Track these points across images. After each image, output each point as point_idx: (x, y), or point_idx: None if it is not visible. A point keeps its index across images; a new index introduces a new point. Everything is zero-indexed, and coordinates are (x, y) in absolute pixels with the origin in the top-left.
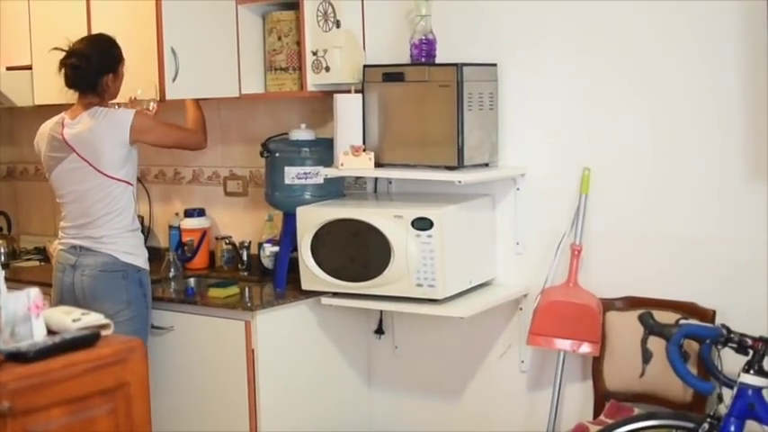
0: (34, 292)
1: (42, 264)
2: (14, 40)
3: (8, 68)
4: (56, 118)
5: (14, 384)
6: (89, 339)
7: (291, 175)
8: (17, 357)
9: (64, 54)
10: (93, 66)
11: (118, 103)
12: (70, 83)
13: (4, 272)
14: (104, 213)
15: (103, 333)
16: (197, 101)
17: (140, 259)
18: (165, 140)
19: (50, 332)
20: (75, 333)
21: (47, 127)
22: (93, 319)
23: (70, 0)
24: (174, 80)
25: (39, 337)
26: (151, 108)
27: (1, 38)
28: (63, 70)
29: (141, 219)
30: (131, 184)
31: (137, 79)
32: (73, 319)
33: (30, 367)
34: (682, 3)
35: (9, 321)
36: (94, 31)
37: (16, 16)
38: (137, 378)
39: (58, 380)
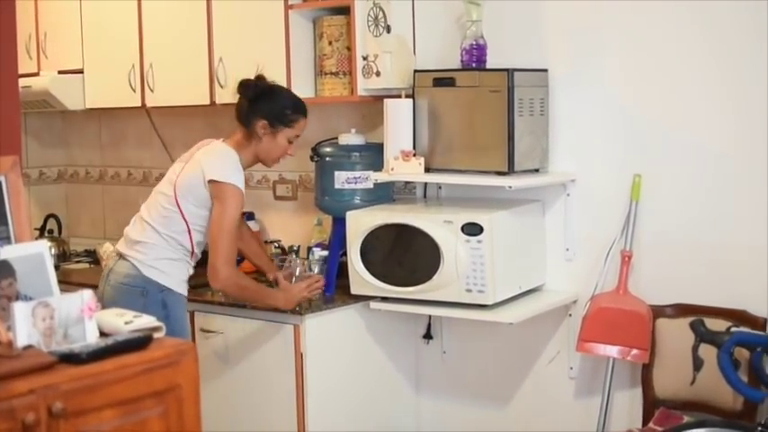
0: (87, 294)
1: (92, 266)
2: (66, 44)
3: (60, 72)
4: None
5: (67, 386)
6: (141, 342)
7: (341, 179)
8: (70, 359)
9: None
10: (259, 100)
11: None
12: (239, 104)
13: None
14: (150, 223)
15: (156, 335)
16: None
17: (169, 279)
18: (211, 225)
19: (103, 334)
20: (127, 335)
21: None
22: (146, 321)
23: (122, 2)
24: (222, 86)
25: (91, 338)
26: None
27: (53, 42)
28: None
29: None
30: (187, 224)
31: (182, 84)
32: (125, 322)
33: (82, 369)
34: (736, 9)
35: (62, 323)
36: (145, 40)
37: (68, 21)
38: (188, 381)
39: (111, 382)
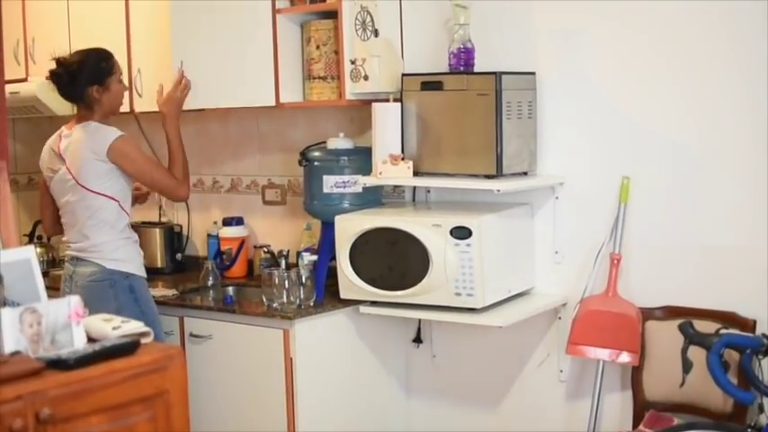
0: (75, 300)
1: None
2: (54, 49)
3: (48, 78)
4: (58, 131)
5: (55, 391)
6: (129, 347)
7: (330, 183)
8: (58, 365)
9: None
10: (77, 76)
11: None
12: (59, 92)
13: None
14: (91, 225)
15: (143, 341)
16: (179, 134)
17: (130, 265)
18: (143, 177)
19: (90, 340)
20: (114, 341)
21: (49, 140)
22: (133, 326)
23: (109, 8)
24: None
25: (79, 344)
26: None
27: (41, 48)
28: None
29: (170, 223)
30: (115, 200)
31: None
32: (113, 327)
33: (70, 375)
34: (726, 8)
35: (50, 329)
36: (133, 43)
37: (56, 26)
38: (176, 386)
39: (98, 387)
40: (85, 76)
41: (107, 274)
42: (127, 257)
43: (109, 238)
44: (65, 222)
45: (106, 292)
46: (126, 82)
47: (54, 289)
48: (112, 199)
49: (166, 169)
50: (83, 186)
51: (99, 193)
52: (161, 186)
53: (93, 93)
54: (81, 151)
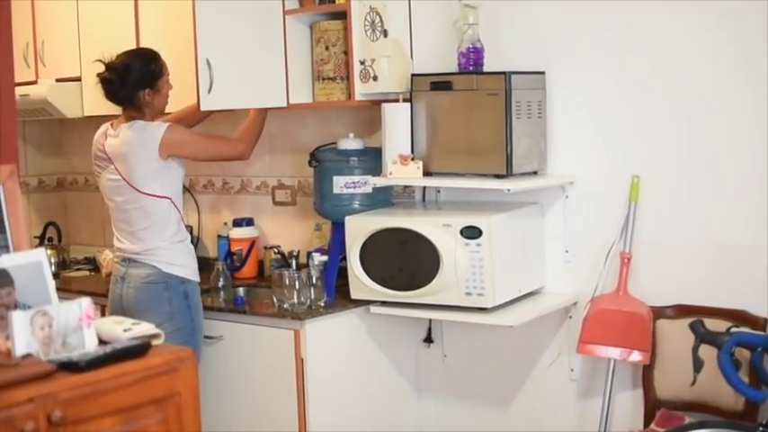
0: (86, 302)
1: (92, 273)
2: (64, 52)
3: (58, 80)
4: (103, 127)
5: (66, 394)
6: (140, 349)
7: (340, 184)
8: (69, 367)
9: (103, 67)
10: (127, 80)
11: None
12: (106, 96)
13: (54, 282)
14: (144, 227)
15: (154, 343)
16: (263, 112)
17: (185, 270)
18: (201, 155)
19: (102, 342)
20: (125, 343)
21: (96, 135)
22: (144, 328)
23: (119, 11)
24: (209, 91)
25: (90, 346)
26: None
27: (51, 50)
28: (99, 84)
29: (190, 228)
30: (168, 198)
31: (178, 89)
32: (124, 329)
33: (81, 377)
34: (732, 9)
35: (61, 331)
36: (142, 44)
37: (65, 29)
38: (187, 388)
39: (109, 389)
40: (136, 79)
41: (163, 276)
42: (183, 262)
43: (163, 243)
44: (114, 220)
45: (161, 294)
46: None
47: (66, 291)
48: (165, 198)
49: (220, 136)
50: (134, 188)
51: (151, 195)
52: (223, 156)
53: (145, 96)
54: (131, 152)
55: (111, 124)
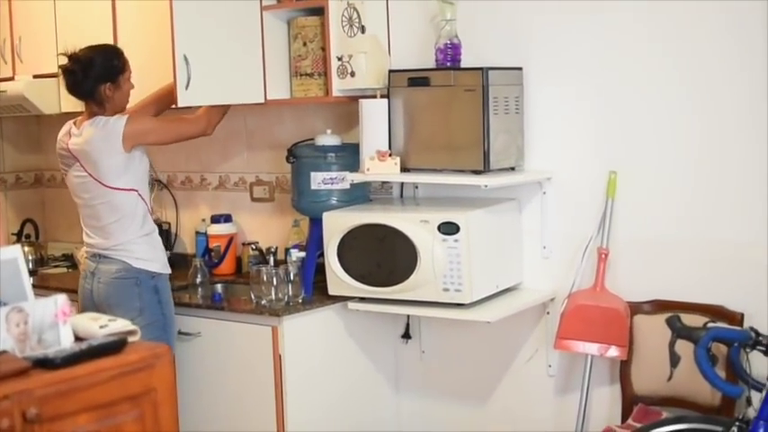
0: (61, 299)
1: (70, 270)
2: (41, 48)
3: (35, 76)
4: (66, 126)
5: (42, 391)
6: (116, 346)
7: (317, 180)
8: (44, 364)
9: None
10: (89, 73)
11: None
12: (68, 88)
13: (31, 279)
14: (112, 221)
15: (130, 339)
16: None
17: (155, 264)
18: (165, 138)
19: (77, 339)
20: (101, 339)
21: (59, 134)
22: (120, 325)
23: (96, 7)
24: (186, 87)
25: (66, 343)
26: None
27: (28, 46)
28: (62, 75)
29: (158, 221)
30: (134, 190)
31: (156, 86)
32: (100, 326)
33: (57, 374)
34: (716, 7)
35: (36, 328)
36: (120, 42)
37: (43, 25)
38: (163, 384)
39: (85, 386)
40: (98, 72)
41: (134, 272)
42: (152, 256)
43: (131, 237)
44: (82, 217)
45: (131, 289)
46: None
47: (44, 287)
48: (132, 190)
49: (180, 117)
50: (102, 184)
51: (118, 189)
52: (187, 135)
53: (106, 90)
54: (95, 150)
55: (75, 122)
